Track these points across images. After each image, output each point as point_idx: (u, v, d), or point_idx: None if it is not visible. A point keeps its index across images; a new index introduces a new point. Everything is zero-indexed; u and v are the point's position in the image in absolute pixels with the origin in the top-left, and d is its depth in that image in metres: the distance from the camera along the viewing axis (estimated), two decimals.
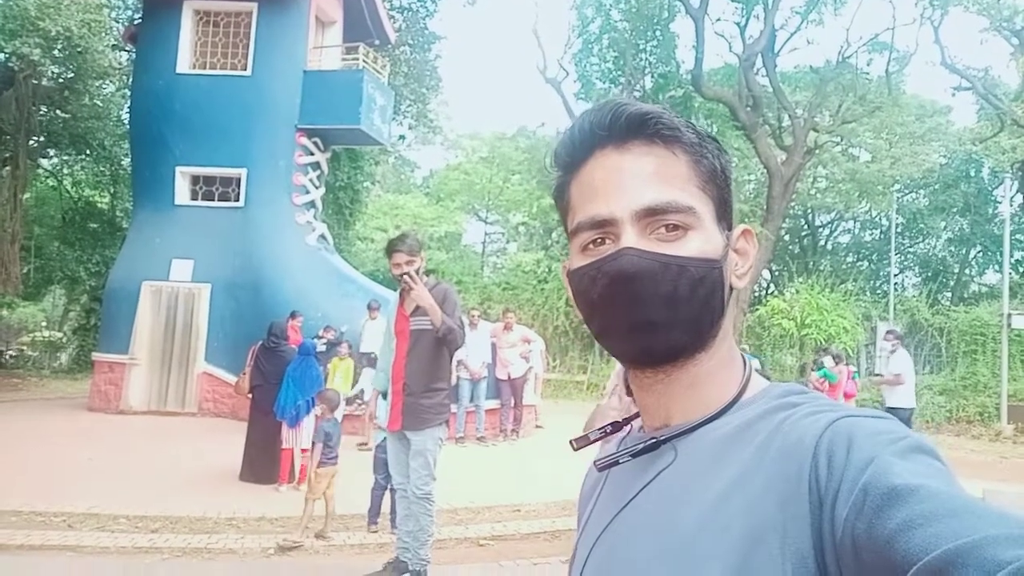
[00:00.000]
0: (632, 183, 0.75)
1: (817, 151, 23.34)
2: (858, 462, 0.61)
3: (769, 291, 27.42)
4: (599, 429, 0.89)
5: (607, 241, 0.76)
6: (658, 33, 23.90)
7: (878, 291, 26.84)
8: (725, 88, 22.81)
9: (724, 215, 0.79)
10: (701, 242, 0.75)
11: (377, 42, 14.57)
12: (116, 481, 7.59)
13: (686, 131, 0.78)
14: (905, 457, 0.60)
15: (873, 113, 23.61)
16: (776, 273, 30.12)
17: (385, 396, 4.85)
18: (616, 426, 0.89)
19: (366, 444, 10.07)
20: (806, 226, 32.51)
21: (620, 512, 0.79)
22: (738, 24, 23.15)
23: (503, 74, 67.33)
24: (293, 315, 10.15)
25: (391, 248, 4.62)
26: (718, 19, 23.52)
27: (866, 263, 31.78)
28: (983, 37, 22.34)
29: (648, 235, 0.75)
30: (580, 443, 0.91)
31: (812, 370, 11.76)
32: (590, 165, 0.79)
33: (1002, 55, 50.39)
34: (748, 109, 21.68)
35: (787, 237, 31.01)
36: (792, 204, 26.50)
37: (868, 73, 24.17)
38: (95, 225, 20.06)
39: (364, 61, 13.10)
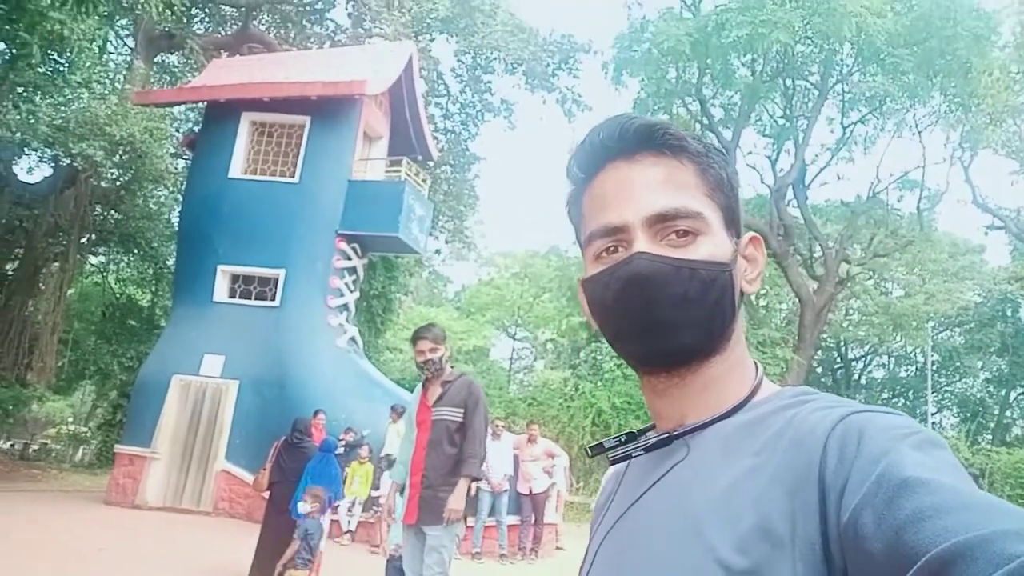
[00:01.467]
0: (642, 191, 0.78)
1: (849, 283, 23.39)
2: (869, 454, 0.61)
3: None
4: (614, 437, 0.89)
5: (620, 248, 0.79)
6: None
7: None
8: (756, 217, 23.21)
9: (732, 223, 0.81)
10: (711, 246, 0.77)
11: (420, 158, 15.23)
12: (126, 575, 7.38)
13: (692, 142, 0.81)
14: (919, 449, 0.60)
15: (905, 248, 23.77)
16: None
17: (403, 491, 4.73)
18: (631, 435, 0.90)
19: (378, 547, 9.76)
20: (839, 359, 32.07)
21: (632, 505, 0.81)
22: (769, 157, 23.87)
23: (538, 195, 69.54)
24: (316, 413, 10.10)
25: (416, 336, 4.65)
26: (749, 152, 24.28)
27: (902, 400, 31.02)
28: (1013, 179, 22.66)
29: (659, 241, 0.77)
30: (595, 451, 0.91)
31: None
32: (601, 177, 0.82)
33: None
34: (779, 238, 21.96)
35: (819, 369, 30.56)
36: (824, 335, 26.29)
37: (899, 209, 24.53)
38: (133, 322, 20.51)
39: (407, 174, 13.66)
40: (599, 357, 20.67)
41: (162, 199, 19.26)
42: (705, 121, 22.62)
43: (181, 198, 16.42)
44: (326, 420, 10.38)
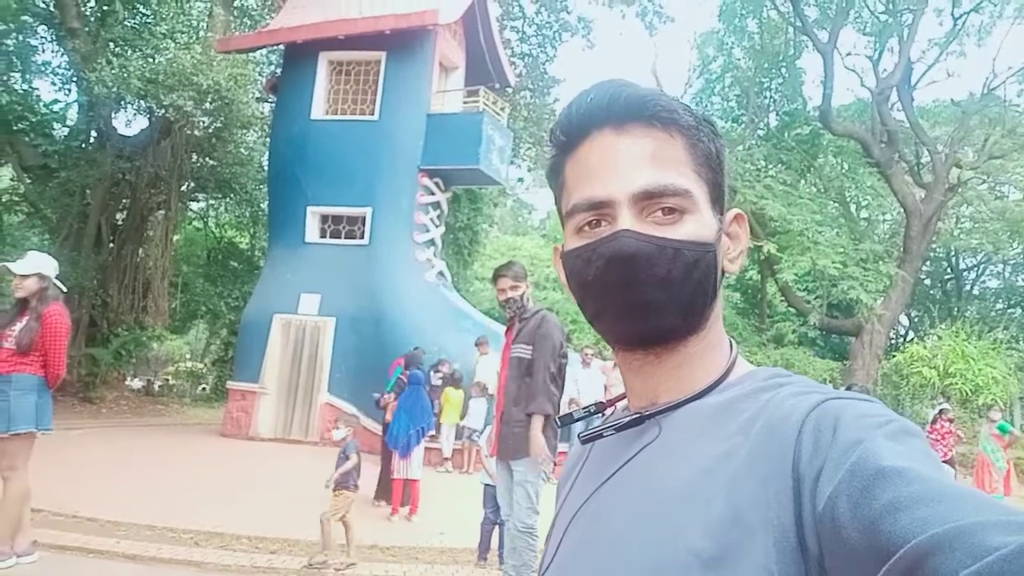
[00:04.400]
0: (629, 165, 0.75)
1: (960, 189, 21.81)
2: (844, 442, 0.60)
3: (907, 338, 25.65)
4: (583, 408, 0.90)
5: (603, 223, 0.77)
6: (783, 70, 23.29)
7: None
8: (856, 124, 21.84)
9: (718, 199, 0.80)
10: (696, 225, 0.76)
11: (498, 85, 14.98)
12: (241, 503, 7.93)
13: (684, 114, 0.78)
14: (894, 439, 0.60)
15: None
16: (916, 319, 28.20)
17: None
18: (600, 406, 0.90)
19: (466, 471, 10.14)
20: (949, 269, 30.33)
21: (601, 486, 0.79)
22: (870, 58, 22.21)
23: None
24: (415, 349, 10.24)
25: (496, 274, 4.65)
26: (848, 53, 22.71)
27: (1019, 309, 29.20)
28: None
29: (644, 218, 0.75)
30: (565, 421, 0.92)
31: (989, 421, 11.01)
32: (587, 146, 0.79)
33: None
34: (882, 145, 20.63)
35: (927, 281, 29.04)
36: (933, 245, 24.82)
37: (1019, 105, 22.49)
38: (235, 263, 21.50)
39: (484, 104, 13.48)
40: None
41: (252, 144, 19.81)
42: (798, 23, 21.18)
43: (269, 141, 16.84)
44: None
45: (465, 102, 14.10)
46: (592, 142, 0.78)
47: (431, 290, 12.97)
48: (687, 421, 0.75)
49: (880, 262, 19.39)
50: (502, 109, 14.35)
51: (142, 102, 16.22)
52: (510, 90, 17.57)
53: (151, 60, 15.13)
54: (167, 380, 23.51)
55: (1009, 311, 29.03)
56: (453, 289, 14.17)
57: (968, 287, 30.49)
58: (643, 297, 0.74)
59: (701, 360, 0.79)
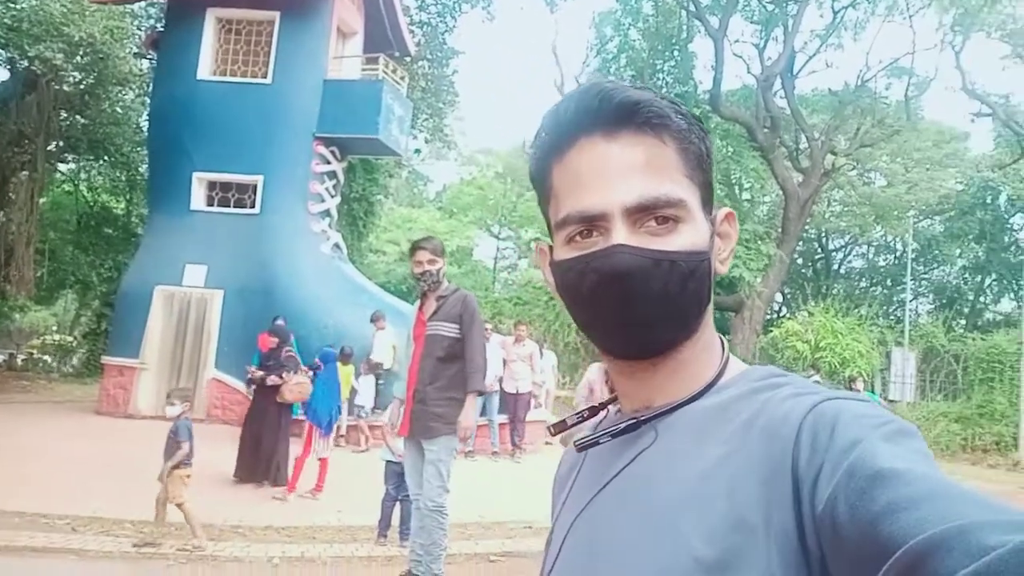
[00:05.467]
0: (622, 175, 0.74)
1: (834, 174, 23.22)
2: (842, 444, 0.60)
3: (782, 314, 27.20)
4: (576, 414, 0.89)
5: (595, 233, 0.75)
6: (676, 53, 23.92)
7: (891, 316, 26.60)
8: (743, 109, 22.76)
9: (708, 199, 0.79)
10: (691, 234, 0.75)
11: (397, 54, 14.61)
12: (121, 485, 7.49)
13: (675, 118, 0.76)
14: (891, 440, 0.60)
15: (891, 137, 23.53)
16: (789, 296, 29.90)
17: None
18: (593, 410, 0.89)
19: (361, 448, 10.01)
20: (820, 249, 32.31)
21: (599, 493, 0.78)
22: (756, 46, 23.17)
23: (520, 90, 67.72)
24: (275, 320, 9.89)
25: (415, 247, 4.57)
26: (737, 40, 23.49)
27: (880, 288, 31.53)
28: (1005, 64, 22.24)
29: (638, 229, 0.73)
30: (557, 428, 0.91)
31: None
32: (576, 152, 0.76)
33: (1023, 82, 50.22)
34: (766, 130, 21.62)
35: (800, 260, 30.83)
36: (807, 227, 26.37)
37: (887, 97, 24.10)
38: (110, 230, 20.12)
39: (384, 72, 13.12)
40: None
41: (129, 103, 18.51)
42: (691, 7, 21.78)
43: (149, 101, 15.79)
44: (314, 328, 10.41)
45: (364, 69, 13.68)
46: (581, 148, 0.76)
47: (326, 262, 12.59)
48: (683, 425, 0.74)
49: (760, 242, 20.42)
50: (402, 78, 14.03)
51: (3, 51, 14.81)
52: (409, 59, 17.19)
53: (12, 6, 13.80)
54: (31, 354, 21.88)
55: (871, 289, 31.30)
56: (348, 262, 13.82)
57: (836, 267, 32.61)
58: (640, 313, 0.73)
59: (695, 362, 0.78)
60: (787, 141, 22.98)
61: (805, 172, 22.17)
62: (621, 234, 0.73)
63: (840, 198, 29.14)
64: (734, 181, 25.94)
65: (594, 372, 5.35)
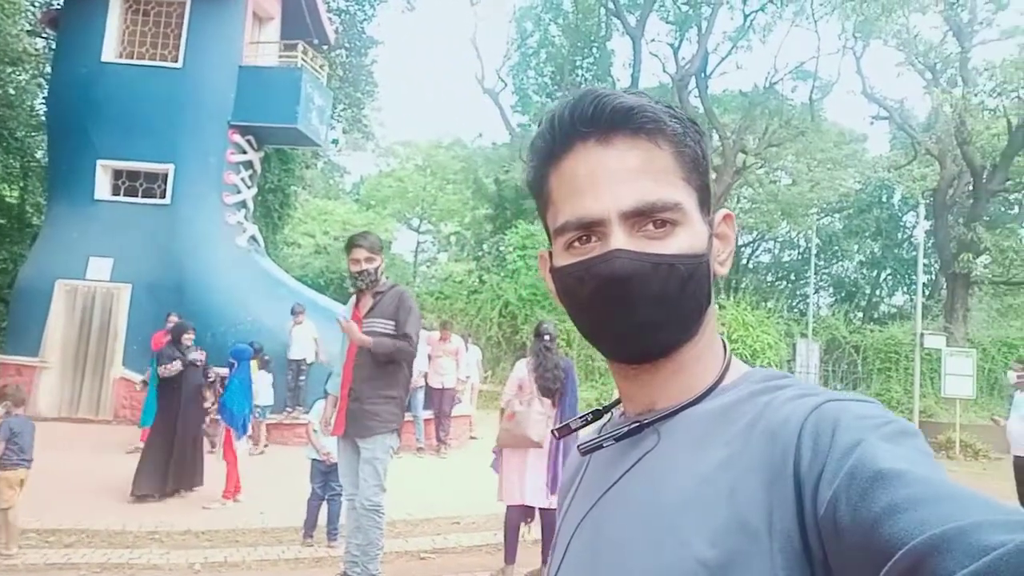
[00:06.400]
0: (618, 181, 0.74)
1: (744, 172, 24.07)
2: (843, 445, 0.61)
3: None
4: (580, 417, 0.89)
5: (593, 239, 0.75)
6: (595, 50, 24.26)
7: (795, 309, 27.82)
8: None
9: (706, 201, 0.79)
10: (688, 237, 0.75)
11: (316, 41, 14.22)
12: (24, 493, 7.02)
13: (670, 121, 0.76)
14: (892, 441, 0.60)
15: (796, 138, 24.55)
16: None
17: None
18: (597, 413, 0.90)
19: (258, 451, 9.64)
20: None
21: (603, 496, 0.79)
22: (672, 46, 23.75)
23: (440, 83, 67.17)
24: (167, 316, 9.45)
25: (351, 243, 4.43)
26: (653, 39, 24.04)
27: (785, 283, 32.93)
28: (900, 70, 23.53)
29: (636, 233, 0.74)
30: (562, 433, 0.91)
31: None
32: (572, 159, 0.77)
33: (916, 88, 53.45)
34: None
35: None
36: None
37: (793, 99, 25.16)
38: (2, 220, 18.79)
39: (303, 59, 12.75)
40: (503, 249, 20.74)
41: (23, 84, 17.33)
42: (610, 5, 22.12)
43: (46, 83, 14.83)
44: (231, 325, 10.03)
45: (281, 56, 13.26)
46: (577, 155, 0.76)
47: (242, 255, 12.15)
48: (686, 428, 0.75)
49: None
50: (321, 67, 13.67)
51: None
52: (327, 48, 16.78)
53: None
54: None
55: (777, 284, 32.65)
56: (266, 255, 13.39)
57: (745, 262, 33.86)
58: (640, 317, 0.74)
59: (697, 364, 0.78)
60: None
61: (718, 170, 22.88)
62: (619, 239, 0.73)
63: (749, 195, 30.25)
64: None
65: (522, 369, 5.36)
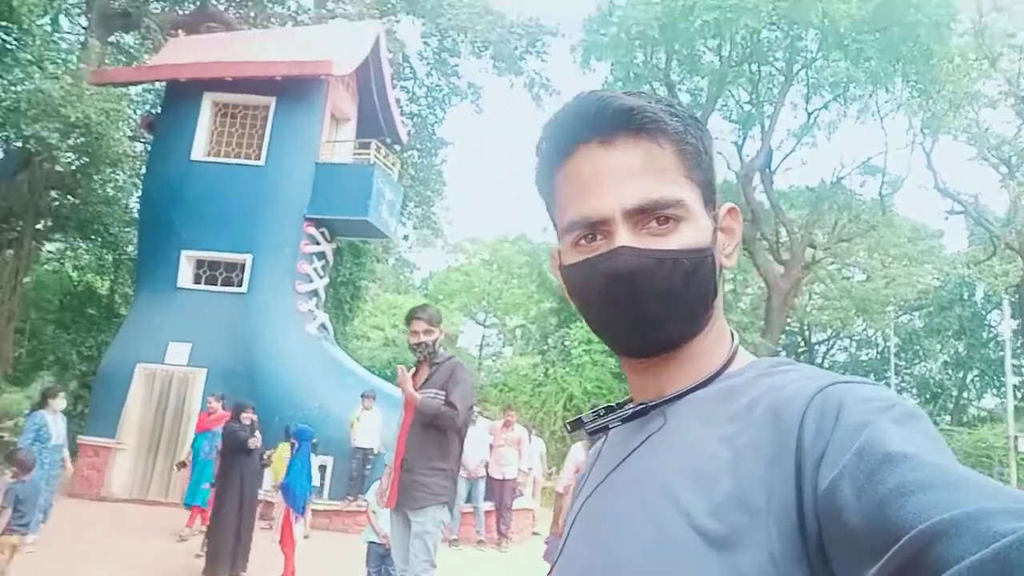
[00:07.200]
0: (621, 180, 0.76)
1: (814, 267, 23.68)
2: (847, 426, 0.61)
3: None
4: (592, 411, 0.90)
5: (599, 237, 0.78)
6: None
7: None
8: (724, 203, 23.36)
9: (710, 198, 0.81)
10: (692, 232, 0.77)
11: (388, 140, 14.97)
12: (91, 571, 7.12)
13: (670, 120, 0.78)
14: (900, 423, 0.60)
15: (867, 233, 24.14)
16: None
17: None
18: (609, 408, 0.91)
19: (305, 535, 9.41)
20: (803, 342, 32.56)
21: (608, 475, 0.81)
22: (735, 143, 24.02)
23: (506, 179, 69.26)
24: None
25: (411, 315, 4.52)
26: (716, 137, 24.27)
27: None
28: (972, 165, 23.14)
29: (640, 230, 0.76)
30: (575, 426, 0.92)
31: None
32: (576, 159, 0.79)
33: (991, 181, 52.14)
34: (747, 223, 22.10)
35: (784, 353, 31.01)
36: (789, 319, 26.64)
37: (862, 194, 24.93)
38: (92, 310, 19.84)
39: (376, 156, 13.40)
40: (568, 343, 20.68)
41: (120, 183, 18.65)
42: None
43: (140, 182, 15.93)
44: (301, 409, 10.21)
45: (356, 154, 13.97)
46: (580, 156, 0.79)
47: (312, 343, 12.48)
48: (690, 408, 0.76)
49: (745, 332, 20.56)
50: (392, 164, 14.32)
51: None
52: (399, 148, 17.61)
53: (13, 87, 14.08)
54: (1, 436, 21.17)
55: None
56: (335, 343, 13.70)
57: (820, 360, 32.79)
58: (646, 311, 0.76)
59: (705, 355, 0.80)
60: (767, 234, 23.51)
61: (786, 264, 22.59)
62: (624, 236, 0.75)
63: (821, 291, 29.60)
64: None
65: (579, 451, 5.23)
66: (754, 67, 22.67)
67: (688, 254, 0.76)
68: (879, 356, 31.25)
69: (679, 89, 23.40)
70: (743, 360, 0.81)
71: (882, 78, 21.10)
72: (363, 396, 10.47)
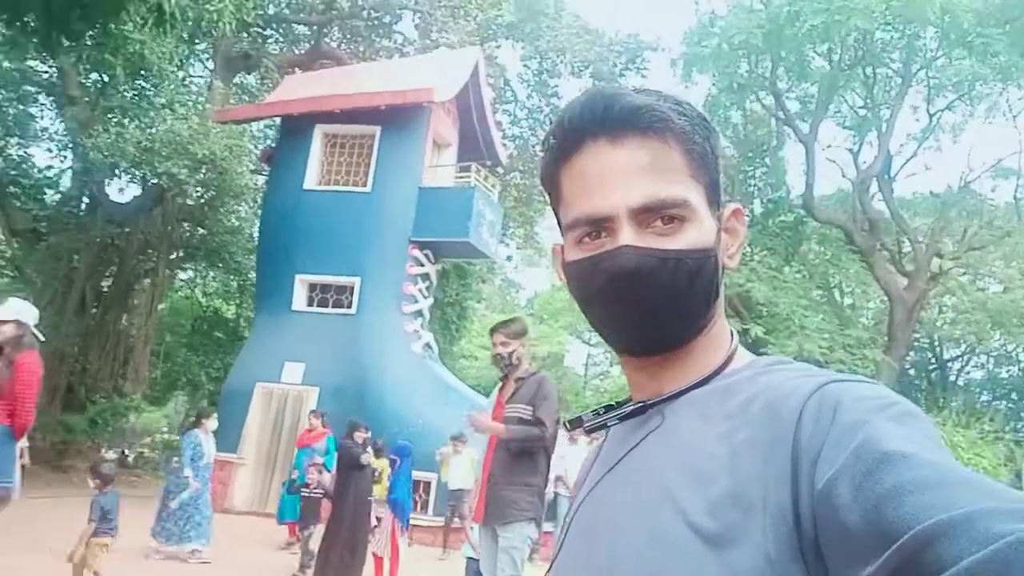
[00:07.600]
0: (626, 179, 0.76)
1: (942, 279, 22.17)
2: (844, 424, 0.60)
3: None
4: (593, 411, 0.90)
5: (603, 235, 0.78)
6: (767, 159, 23.94)
7: (1021, 432, 24.45)
8: (839, 212, 22.33)
9: (715, 197, 0.80)
10: (696, 232, 0.77)
11: (489, 163, 15.28)
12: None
13: (678, 119, 0.78)
14: (898, 422, 0.60)
15: (1002, 240, 22.37)
16: None
17: None
18: (609, 407, 0.91)
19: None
20: (934, 359, 30.43)
21: (606, 474, 0.81)
22: (850, 150, 22.92)
23: None
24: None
25: (492, 329, 4.61)
26: (828, 145, 23.37)
27: (1004, 402, 29.21)
28: None
29: (644, 229, 0.76)
30: (574, 425, 0.93)
31: None
32: (583, 157, 0.79)
33: None
34: (864, 233, 21.05)
35: (912, 371, 29.13)
36: (917, 335, 25.01)
37: (994, 199, 23.19)
38: (220, 334, 21.26)
39: (476, 179, 13.72)
40: None
41: (243, 214, 19.95)
42: (781, 115, 21.93)
43: (261, 211, 16.95)
44: (406, 425, 10.48)
45: (457, 177, 14.36)
46: (587, 153, 0.79)
47: (417, 361, 12.86)
48: (688, 406, 0.76)
49: (866, 348, 19.46)
50: (493, 186, 14.61)
51: (136, 170, 16.37)
52: (501, 170, 17.93)
53: (148, 129, 15.36)
54: (141, 452, 22.85)
55: (995, 403, 29.01)
56: (440, 362, 14.04)
57: (953, 378, 30.56)
58: (648, 311, 0.76)
59: (705, 354, 0.80)
60: (888, 244, 22.24)
61: (910, 276, 21.27)
62: (628, 235, 0.75)
63: (953, 304, 27.58)
64: (833, 285, 25.13)
65: None
66: (868, 70, 21.61)
67: (691, 254, 0.76)
68: (1020, 373, 28.82)
69: (787, 97, 22.63)
70: (742, 359, 0.81)
71: (1013, 74, 19.66)
72: (452, 439, 9.90)
